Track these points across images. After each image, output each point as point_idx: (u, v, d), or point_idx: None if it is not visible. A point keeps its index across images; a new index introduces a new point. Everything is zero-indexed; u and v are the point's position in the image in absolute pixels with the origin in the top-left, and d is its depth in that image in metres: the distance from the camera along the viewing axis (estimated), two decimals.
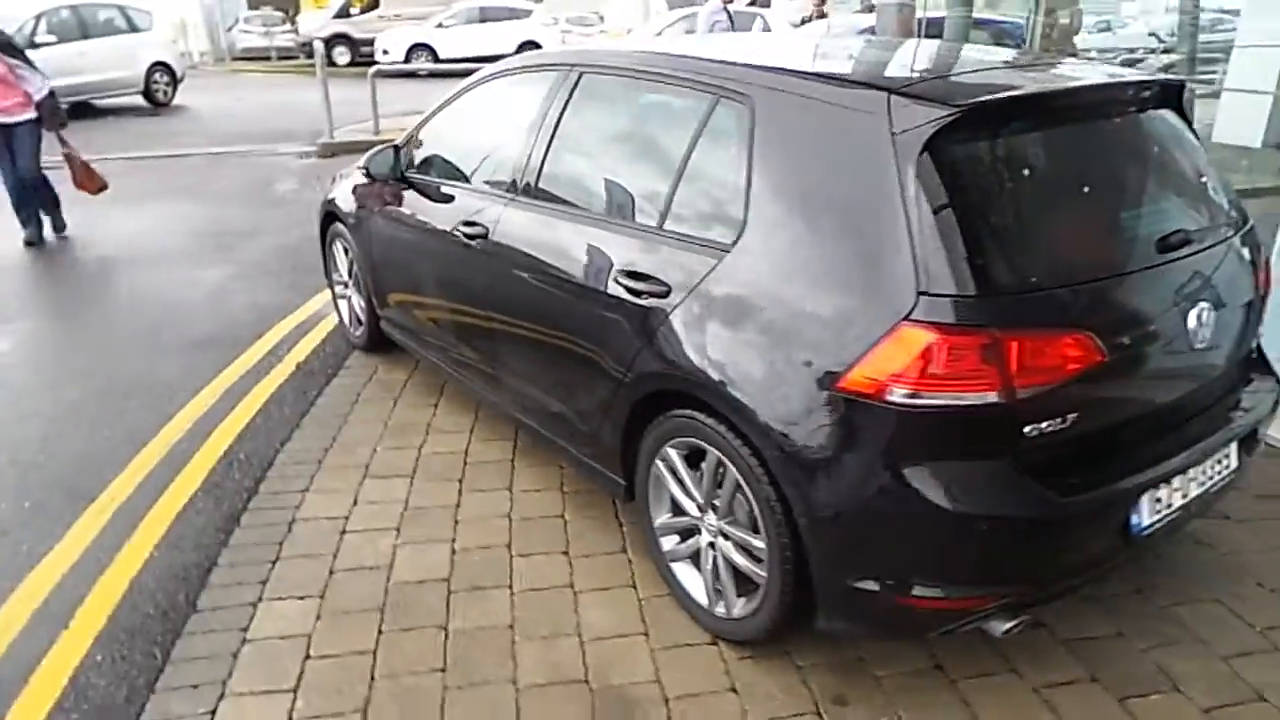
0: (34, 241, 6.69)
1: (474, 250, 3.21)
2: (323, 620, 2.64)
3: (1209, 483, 2.33)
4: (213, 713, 2.29)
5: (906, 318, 1.93)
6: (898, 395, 1.93)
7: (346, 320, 4.67)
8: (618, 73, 2.86)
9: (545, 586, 2.78)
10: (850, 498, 2.05)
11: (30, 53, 13.43)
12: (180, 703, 2.33)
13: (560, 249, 2.83)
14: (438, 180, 3.56)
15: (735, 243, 2.28)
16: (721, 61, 2.56)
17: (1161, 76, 2.58)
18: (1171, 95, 2.49)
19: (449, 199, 3.44)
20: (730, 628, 2.48)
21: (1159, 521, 2.21)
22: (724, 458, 2.31)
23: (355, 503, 3.25)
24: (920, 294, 1.93)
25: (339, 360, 4.55)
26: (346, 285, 4.54)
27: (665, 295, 2.42)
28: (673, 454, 2.53)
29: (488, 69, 3.59)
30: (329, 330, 4.92)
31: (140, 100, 15.23)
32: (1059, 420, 1.98)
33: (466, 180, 3.44)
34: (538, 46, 23.25)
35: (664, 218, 2.51)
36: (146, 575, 2.87)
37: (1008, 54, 3.05)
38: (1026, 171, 2.12)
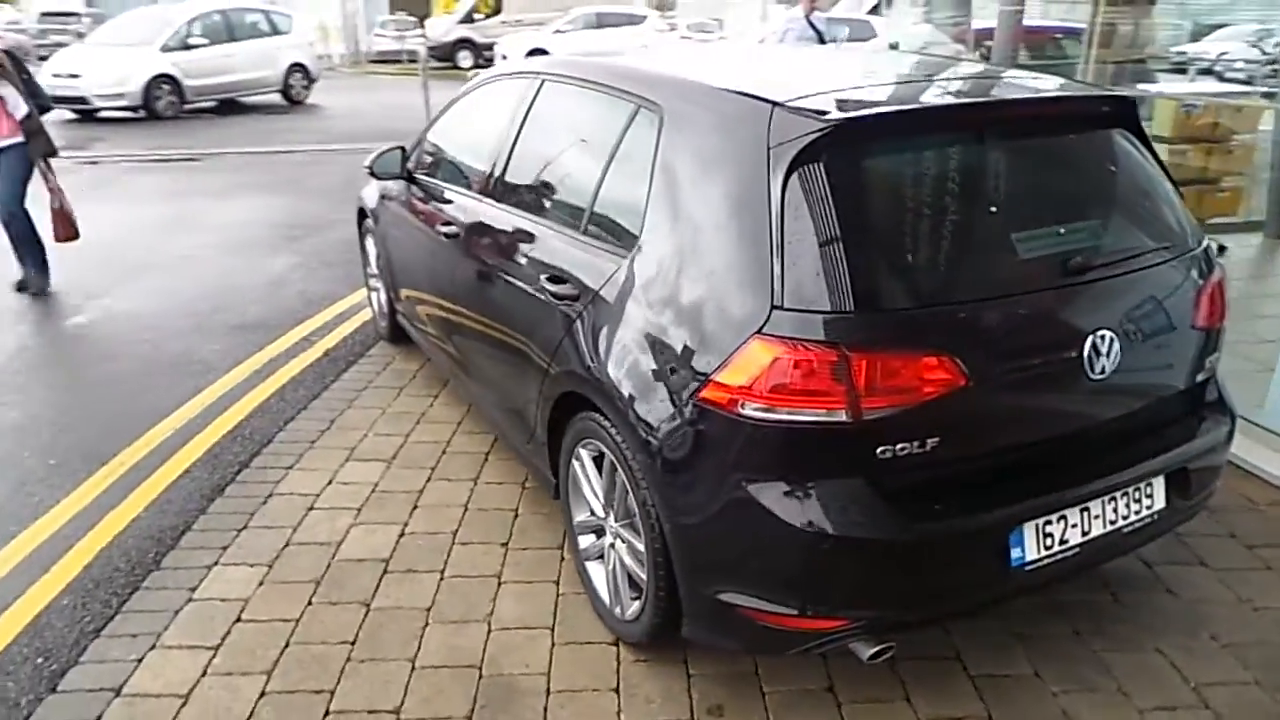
0: (22, 288, 5.70)
1: (450, 248, 3.36)
2: (264, 587, 2.82)
3: (1121, 522, 2.21)
4: (140, 660, 2.51)
5: (758, 331, 1.94)
6: (748, 409, 1.93)
7: (375, 312, 4.93)
8: (569, 81, 2.94)
9: (474, 575, 2.88)
10: (705, 508, 2.06)
11: (183, 54, 14.98)
12: (116, 649, 2.56)
13: (506, 249, 2.94)
14: (433, 181, 3.73)
15: (633, 249, 2.32)
16: (645, 72, 2.61)
17: (1104, 92, 2.45)
18: (1122, 113, 2.38)
19: (440, 198, 3.60)
20: (624, 629, 2.52)
21: (1050, 558, 2.11)
22: (615, 460, 2.35)
23: (330, 482, 3.45)
24: (774, 308, 1.93)
25: (363, 349, 4.81)
26: (375, 278, 4.79)
27: (576, 299, 2.48)
28: (584, 454, 2.59)
29: (482, 74, 3.73)
30: (363, 321, 5.19)
31: (278, 99, 16.35)
32: (916, 444, 1.93)
33: (452, 181, 3.59)
34: None
35: (586, 222, 2.58)
36: (129, 533, 3.14)
37: (967, 67, 2.95)
38: (903, 189, 2.07)
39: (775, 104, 2.08)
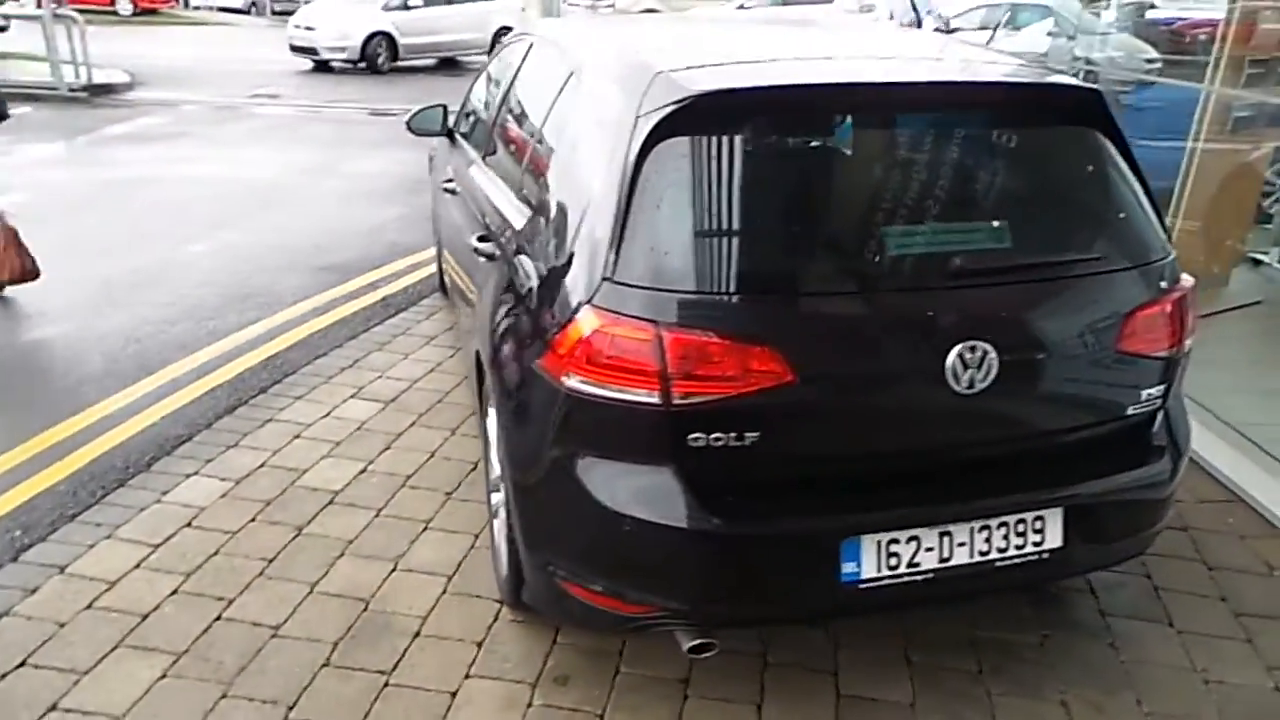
0: None
1: (453, 204, 3.48)
2: (222, 500, 3.07)
3: (995, 555, 2.01)
4: (91, 546, 2.80)
5: (587, 301, 1.90)
6: (569, 380, 1.91)
7: (437, 265, 5.16)
8: (545, 44, 2.95)
9: (406, 517, 3.00)
10: (534, 475, 2.06)
11: (401, 14, 16.09)
12: (79, 534, 2.87)
13: (477, 208, 3.01)
14: (458, 138, 3.86)
15: (533, 212, 2.33)
16: (584, 35, 2.58)
17: (1054, 83, 2.17)
18: (1083, 108, 2.12)
19: (458, 155, 3.73)
20: (502, 588, 2.55)
21: (894, 579, 1.95)
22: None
23: (326, 415, 3.68)
24: (604, 279, 1.89)
25: (417, 298, 5.05)
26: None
27: (492, 258, 2.52)
28: (490, 414, 2.63)
29: (508, 36, 3.80)
30: (429, 274, 5.44)
31: (486, 59, 17.28)
32: (733, 436, 1.84)
33: (466, 139, 3.70)
34: None
35: (519, 185, 2.60)
36: (139, 437, 3.50)
37: (919, 46, 2.66)
38: (761, 170, 1.94)
39: (658, 72, 2.02)
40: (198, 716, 2.19)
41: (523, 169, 2.61)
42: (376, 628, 2.51)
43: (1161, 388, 2.13)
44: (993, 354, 1.88)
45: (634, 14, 24.98)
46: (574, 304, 1.93)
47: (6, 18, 14.53)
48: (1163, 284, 2.11)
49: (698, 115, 1.90)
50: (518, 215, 2.46)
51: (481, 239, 2.63)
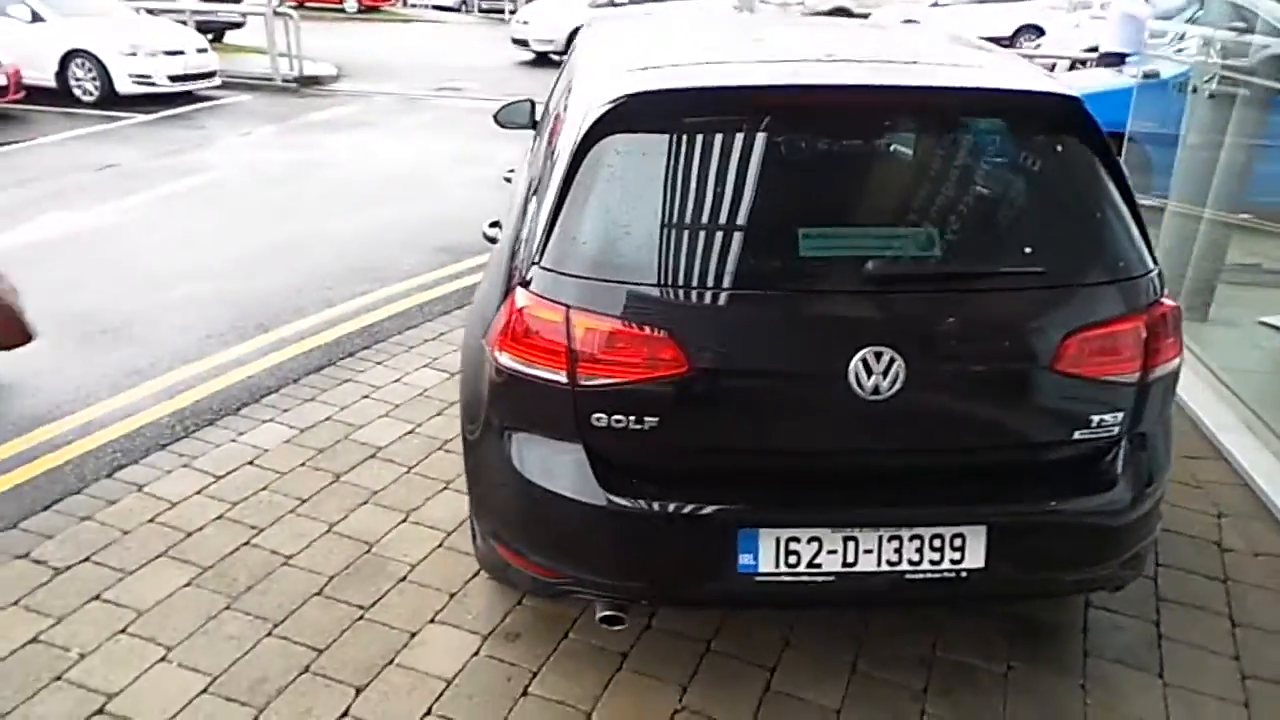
0: None
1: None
2: (285, 445, 3.47)
3: (906, 566, 1.98)
4: (169, 472, 3.26)
5: (520, 283, 2.05)
6: (501, 356, 2.07)
7: None
8: (582, 41, 3.10)
9: (432, 476, 3.28)
10: (474, 444, 2.23)
11: (608, 9, 17.02)
12: (164, 461, 3.34)
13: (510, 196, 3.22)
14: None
15: (527, 196, 2.49)
16: (608, 36, 2.71)
17: (1038, 89, 2.06)
18: (1060, 116, 2.04)
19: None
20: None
21: (793, 576, 1.98)
22: None
23: (397, 380, 4.04)
24: (534, 263, 2.03)
25: None
26: None
27: (494, 242, 2.72)
28: None
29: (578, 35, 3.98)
30: None
31: None
32: (634, 420, 1.94)
33: (538, 133, 3.91)
34: (1041, 32, 21.54)
35: (526, 176, 2.78)
36: (238, 386, 3.99)
37: (930, 49, 2.55)
38: (684, 167, 1.98)
39: (622, 73, 2.13)
40: (200, 620, 2.54)
41: (539, 162, 2.78)
42: (371, 568, 2.78)
43: (1117, 415, 2.00)
44: (900, 362, 1.86)
45: (821, 12, 24.63)
46: (512, 285, 2.09)
47: (244, 15, 16.39)
48: (1128, 303, 1.98)
49: (629, 114, 2.00)
50: (514, 203, 2.64)
51: (493, 224, 2.83)
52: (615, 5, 16.68)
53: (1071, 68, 11.68)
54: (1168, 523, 3.07)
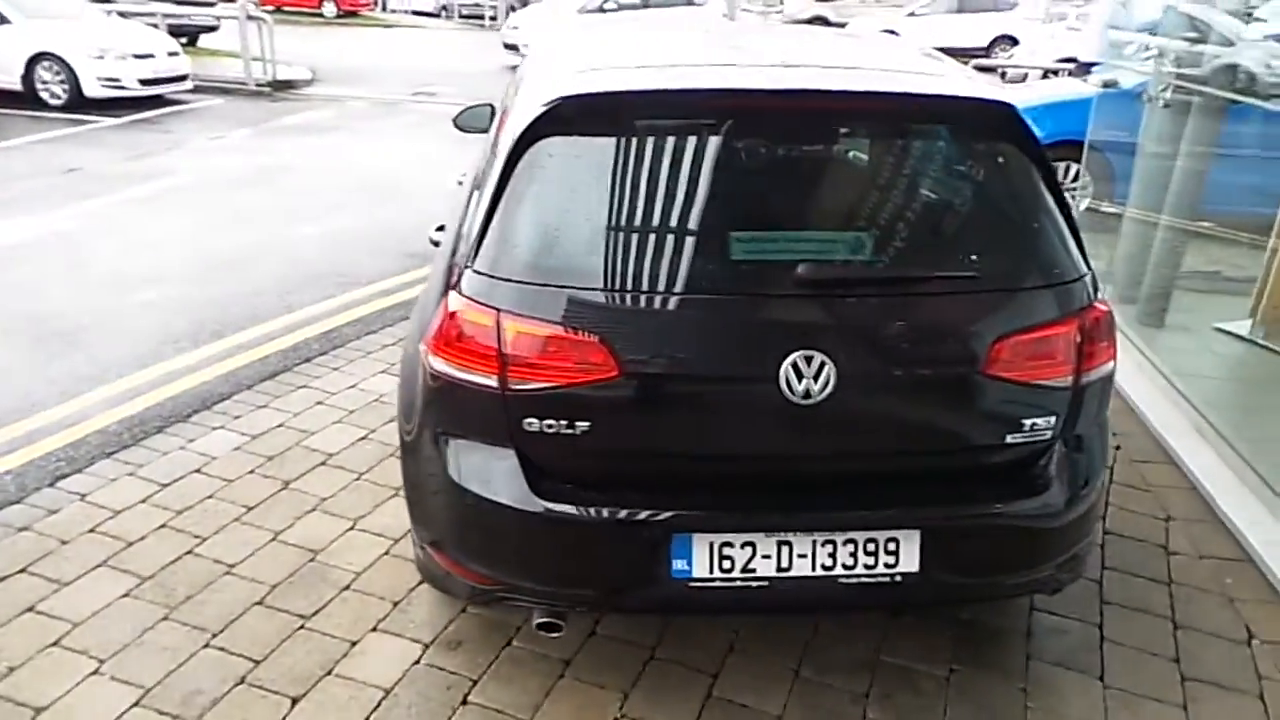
0: None
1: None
2: (234, 452, 3.43)
3: (840, 571, 1.98)
4: (114, 480, 3.21)
5: (453, 287, 2.04)
6: (434, 360, 2.05)
7: None
8: (533, 49, 3.09)
9: (381, 483, 3.24)
10: (409, 450, 2.21)
11: (595, 15, 17.33)
12: (109, 469, 3.29)
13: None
14: None
15: (467, 201, 2.48)
16: (557, 43, 2.71)
17: (968, 95, 2.07)
18: (993, 121, 2.05)
19: None
20: None
21: (727, 582, 1.97)
22: None
23: (352, 387, 4.01)
24: (467, 267, 2.01)
25: None
26: None
27: (436, 245, 2.70)
28: None
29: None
30: None
31: None
32: (565, 424, 1.92)
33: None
34: (1015, 42, 21.76)
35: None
36: (190, 392, 3.93)
37: (875, 55, 2.56)
38: (614, 171, 1.97)
39: (562, 78, 2.12)
40: (136, 632, 2.49)
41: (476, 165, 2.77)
42: (314, 577, 2.74)
43: (1050, 419, 2.01)
44: (830, 366, 1.86)
45: (800, 21, 24.78)
46: (445, 290, 2.07)
47: (218, 18, 16.29)
48: (1061, 307, 1.99)
49: (563, 117, 1.99)
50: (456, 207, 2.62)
51: (439, 229, 2.81)
52: (604, 11, 16.80)
53: (1044, 77, 11.81)
54: (1115, 526, 3.11)
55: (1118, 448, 3.64)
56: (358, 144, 9.86)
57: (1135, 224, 5.26)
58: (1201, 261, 5.67)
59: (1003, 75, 12.16)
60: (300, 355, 4.33)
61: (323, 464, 3.37)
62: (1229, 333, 4.83)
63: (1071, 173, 7.11)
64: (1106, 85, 6.48)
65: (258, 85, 13.18)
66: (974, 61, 12.57)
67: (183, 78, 12.07)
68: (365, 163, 8.90)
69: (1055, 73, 11.86)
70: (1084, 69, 9.92)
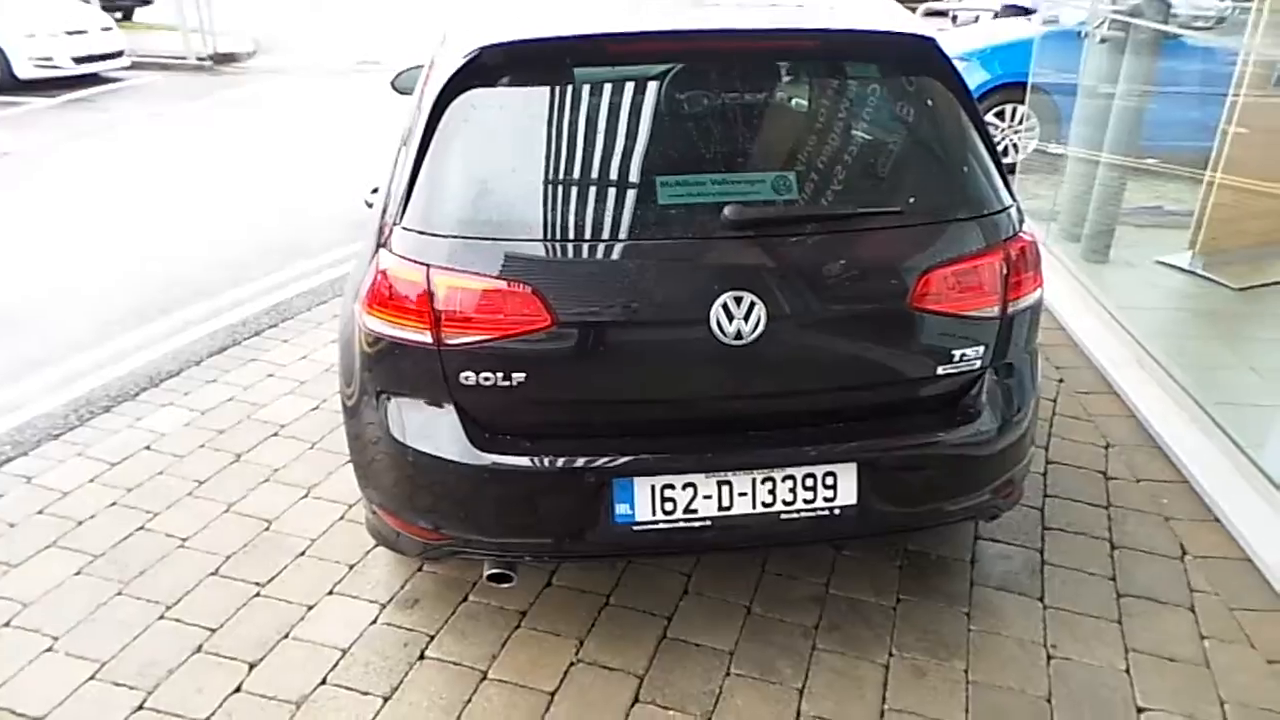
0: None
1: None
2: (184, 428, 3.39)
3: (781, 507, 2.02)
4: (62, 462, 3.17)
5: (383, 245, 2.03)
6: (368, 319, 2.04)
7: None
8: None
9: (334, 451, 3.23)
10: (351, 411, 2.20)
11: None
12: (56, 450, 3.24)
13: None
14: None
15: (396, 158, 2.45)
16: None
17: (889, 30, 2.08)
18: (914, 55, 2.06)
19: None
20: None
21: (671, 523, 2.01)
22: None
23: (303, 358, 3.98)
24: (395, 224, 2.00)
25: None
26: None
27: (371, 207, 2.67)
28: None
29: None
30: None
31: None
32: (501, 377, 1.93)
33: None
34: None
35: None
36: (138, 371, 3.87)
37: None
38: (539, 120, 1.97)
39: (486, 28, 2.09)
40: (90, 608, 2.48)
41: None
42: (269, 546, 2.75)
43: (979, 349, 2.05)
44: (760, 306, 1.88)
45: None
46: (376, 248, 2.06)
47: None
48: (986, 238, 2.03)
49: (484, 68, 1.97)
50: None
51: (374, 190, 2.78)
52: None
53: (995, 18, 11.83)
54: (1057, 455, 3.19)
55: (1060, 380, 3.73)
56: (303, 115, 9.67)
57: (1079, 163, 5.33)
58: (1144, 197, 5.77)
59: (954, 19, 12.17)
60: (249, 329, 4.28)
61: (274, 435, 3.35)
62: (1170, 265, 4.94)
63: (1019, 115, 7.16)
64: (1047, 23, 6.51)
65: (198, 59, 12.82)
66: (925, 5, 12.54)
67: (118, 54, 11.71)
68: (310, 134, 8.74)
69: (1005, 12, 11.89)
70: (1016, 10, 9.97)
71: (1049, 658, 2.31)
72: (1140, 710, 2.17)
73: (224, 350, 4.06)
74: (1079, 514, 2.87)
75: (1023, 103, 6.92)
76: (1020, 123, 7.14)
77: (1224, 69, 4.64)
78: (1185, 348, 3.93)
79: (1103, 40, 4.92)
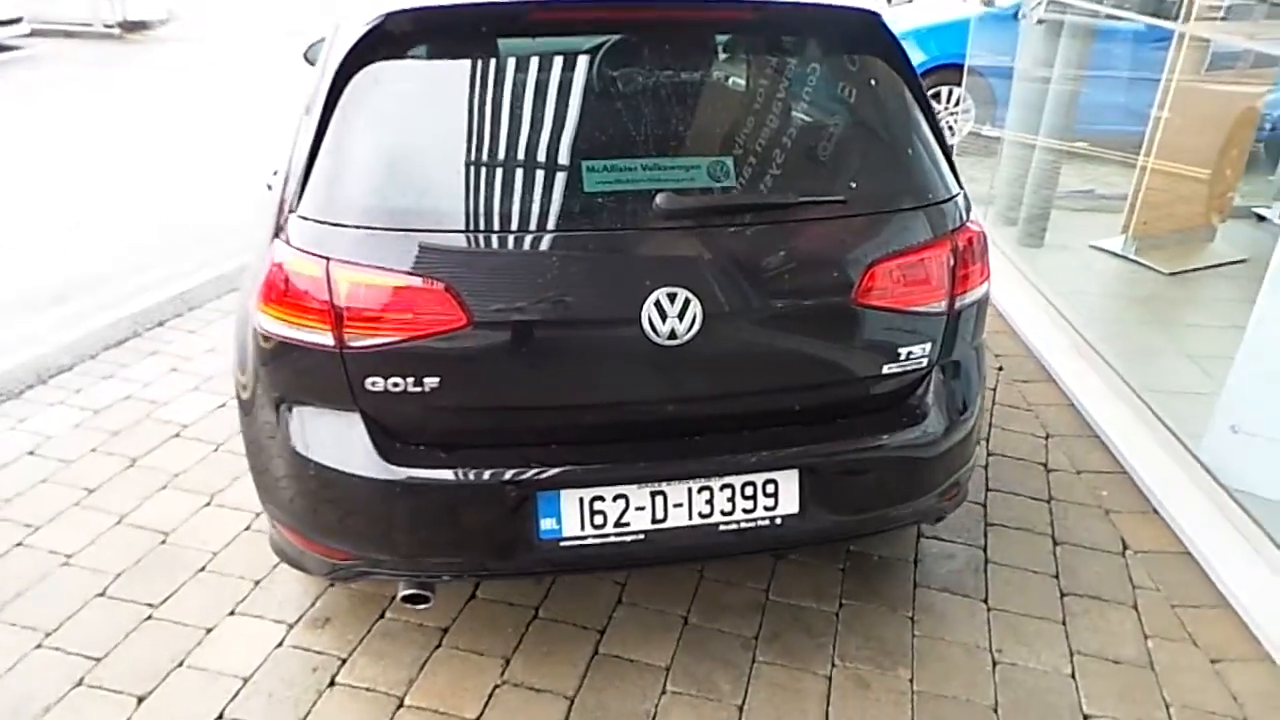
0: None
1: None
2: (75, 429, 3.11)
3: (719, 518, 1.88)
4: None
5: (276, 236, 1.82)
6: (261, 319, 1.83)
7: None
8: None
9: (241, 453, 2.96)
10: (247, 419, 2.00)
11: None
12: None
13: None
14: None
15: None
16: None
17: (830, 3, 1.94)
18: (856, 31, 1.93)
19: None
20: None
21: (601, 538, 1.85)
22: None
23: (210, 350, 3.71)
24: (291, 213, 1.80)
25: None
26: None
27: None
28: None
29: None
30: None
31: None
32: (412, 382, 1.75)
33: None
34: None
35: None
36: (24, 367, 3.55)
37: None
38: (454, 98, 1.78)
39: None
40: None
41: None
42: (164, 561, 2.51)
43: (926, 346, 1.94)
44: (695, 303, 1.73)
45: None
46: (269, 240, 1.85)
47: None
48: (933, 229, 1.91)
49: (390, 37, 1.77)
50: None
51: (275, 173, 2.55)
52: None
53: None
54: (997, 446, 3.14)
55: (1000, 369, 3.68)
56: (216, 89, 9.19)
57: (1014, 146, 5.31)
58: (1078, 181, 5.80)
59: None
60: (152, 319, 3.98)
61: (175, 436, 3.09)
62: (1105, 250, 4.96)
63: (954, 97, 7.15)
64: (985, 4, 6.47)
65: (105, 26, 12.15)
66: None
67: (16, 20, 11.00)
68: (224, 108, 8.30)
69: None
70: None
71: (994, 663, 2.23)
72: (1086, 717, 2.10)
73: (123, 342, 3.76)
74: (1021, 508, 2.81)
75: (959, 85, 6.90)
76: (956, 105, 7.12)
77: (1158, 54, 4.64)
78: (1121, 334, 3.93)
79: (1039, 22, 4.88)
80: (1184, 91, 4.49)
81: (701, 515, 1.88)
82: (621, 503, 1.85)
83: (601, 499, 1.84)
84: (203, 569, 2.49)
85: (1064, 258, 4.96)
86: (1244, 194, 5.31)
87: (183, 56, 10.77)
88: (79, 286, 4.31)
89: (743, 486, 1.88)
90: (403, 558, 1.89)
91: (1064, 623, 2.37)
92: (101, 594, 2.39)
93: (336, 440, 1.81)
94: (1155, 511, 2.82)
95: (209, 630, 2.28)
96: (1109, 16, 4.93)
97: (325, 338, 1.74)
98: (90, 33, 11.94)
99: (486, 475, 1.80)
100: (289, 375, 1.84)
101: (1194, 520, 2.71)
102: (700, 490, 1.87)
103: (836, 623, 2.35)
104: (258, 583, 2.44)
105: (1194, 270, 4.77)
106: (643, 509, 1.86)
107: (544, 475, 1.81)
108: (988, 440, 3.16)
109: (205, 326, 3.92)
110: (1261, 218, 5.49)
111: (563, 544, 1.85)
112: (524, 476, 1.80)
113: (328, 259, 1.72)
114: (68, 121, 7.65)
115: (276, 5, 14.53)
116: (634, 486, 1.85)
